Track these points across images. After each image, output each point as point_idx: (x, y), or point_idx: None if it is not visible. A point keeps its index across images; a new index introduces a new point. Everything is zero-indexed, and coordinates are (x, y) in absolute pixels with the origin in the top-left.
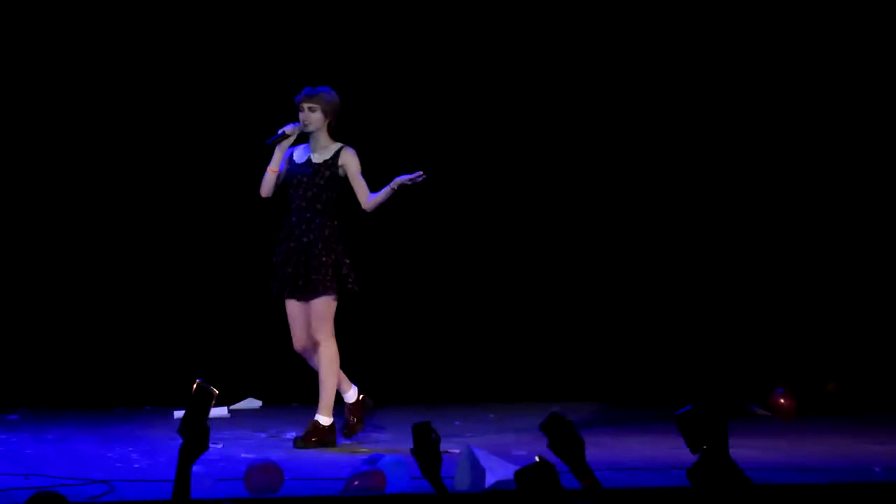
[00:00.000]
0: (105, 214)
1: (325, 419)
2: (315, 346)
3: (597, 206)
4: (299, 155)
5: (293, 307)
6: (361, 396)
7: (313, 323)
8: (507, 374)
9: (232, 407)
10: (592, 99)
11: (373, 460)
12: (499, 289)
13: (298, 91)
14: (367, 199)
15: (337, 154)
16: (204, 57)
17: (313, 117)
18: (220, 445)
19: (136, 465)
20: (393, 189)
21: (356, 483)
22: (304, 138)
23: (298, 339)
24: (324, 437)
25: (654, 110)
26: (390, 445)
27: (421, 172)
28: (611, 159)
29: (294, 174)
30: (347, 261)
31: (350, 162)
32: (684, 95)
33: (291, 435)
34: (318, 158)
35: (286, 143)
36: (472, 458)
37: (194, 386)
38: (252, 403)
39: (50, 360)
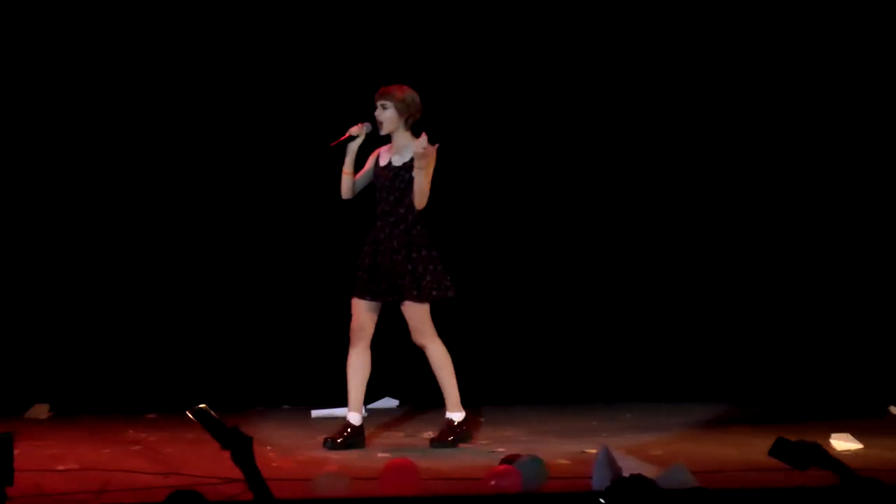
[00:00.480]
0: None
1: (456, 415)
2: (422, 347)
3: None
4: (383, 157)
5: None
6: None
7: (411, 328)
8: (644, 374)
9: (369, 406)
10: (594, 101)
11: (510, 459)
12: (633, 289)
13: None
14: (414, 198)
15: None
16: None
17: (386, 115)
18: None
19: (274, 464)
20: (419, 168)
21: (492, 483)
22: (388, 139)
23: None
24: (458, 433)
25: (657, 112)
26: (526, 446)
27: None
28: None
29: (377, 178)
30: (432, 267)
31: (428, 160)
32: (685, 97)
33: (428, 434)
34: (397, 161)
35: (355, 143)
36: (608, 458)
37: (189, 414)
38: (389, 403)
39: (185, 362)
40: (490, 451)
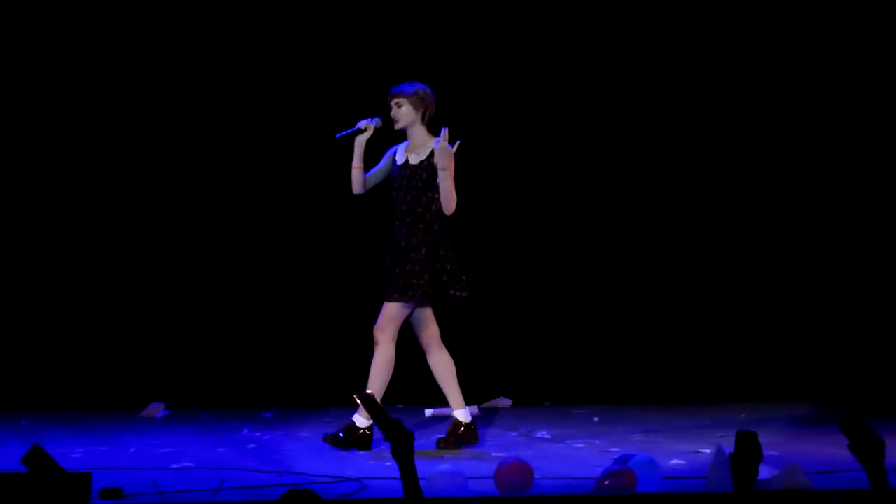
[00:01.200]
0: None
1: (359, 420)
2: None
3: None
4: (399, 155)
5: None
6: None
7: (381, 320)
8: (755, 374)
9: (483, 405)
10: (596, 103)
11: (623, 459)
12: (738, 289)
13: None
14: (442, 204)
15: (432, 152)
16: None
17: (400, 113)
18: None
19: (388, 464)
20: (442, 169)
21: (607, 482)
22: (404, 135)
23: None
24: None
25: (661, 114)
26: (640, 446)
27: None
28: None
29: (394, 177)
30: (449, 266)
31: (446, 160)
32: (686, 98)
33: (542, 434)
34: (414, 159)
35: (363, 137)
36: (723, 457)
37: (357, 399)
38: (503, 402)
39: (302, 358)
40: (604, 450)
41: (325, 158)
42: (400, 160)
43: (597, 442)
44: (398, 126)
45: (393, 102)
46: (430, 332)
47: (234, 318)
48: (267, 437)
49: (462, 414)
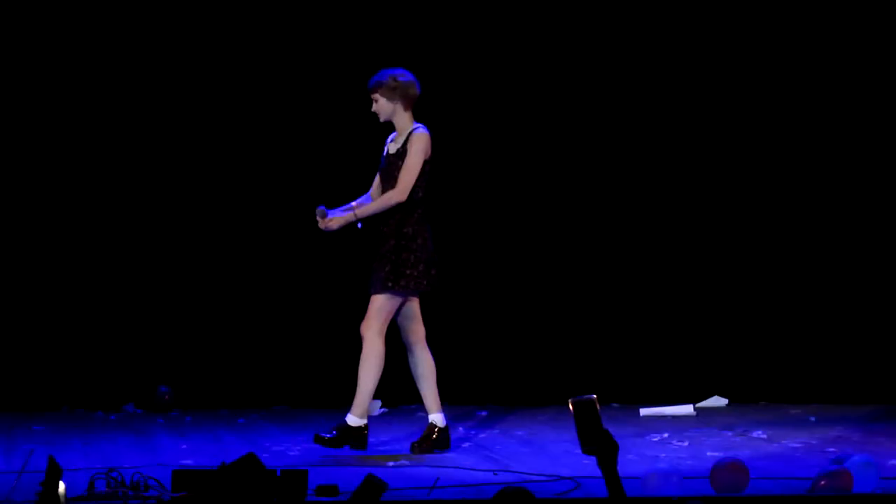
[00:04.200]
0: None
1: (352, 419)
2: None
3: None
4: (386, 146)
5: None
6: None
7: (367, 314)
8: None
9: (698, 405)
10: (592, 98)
11: (840, 459)
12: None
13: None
14: (396, 191)
15: (407, 139)
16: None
17: (378, 107)
18: (685, 443)
19: None
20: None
21: (823, 483)
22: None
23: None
24: (350, 439)
25: (654, 110)
26: (858, 446)
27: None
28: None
29: (380, 168)
30: (421, 255)
31: (411, 145)
32: (683, 94)
33: (758, 433)
34: (392, 148)
35: (332, 221)
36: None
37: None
38: (718, 402)
39: (513, 357)
40: (821, 450)
41: (331, 157)
42: (385, 150)
43: (813, 442)
44: (381, 120)
45: (372, 98)
46: (417, 331)
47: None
48: (482, 435)
49: (438, 418)
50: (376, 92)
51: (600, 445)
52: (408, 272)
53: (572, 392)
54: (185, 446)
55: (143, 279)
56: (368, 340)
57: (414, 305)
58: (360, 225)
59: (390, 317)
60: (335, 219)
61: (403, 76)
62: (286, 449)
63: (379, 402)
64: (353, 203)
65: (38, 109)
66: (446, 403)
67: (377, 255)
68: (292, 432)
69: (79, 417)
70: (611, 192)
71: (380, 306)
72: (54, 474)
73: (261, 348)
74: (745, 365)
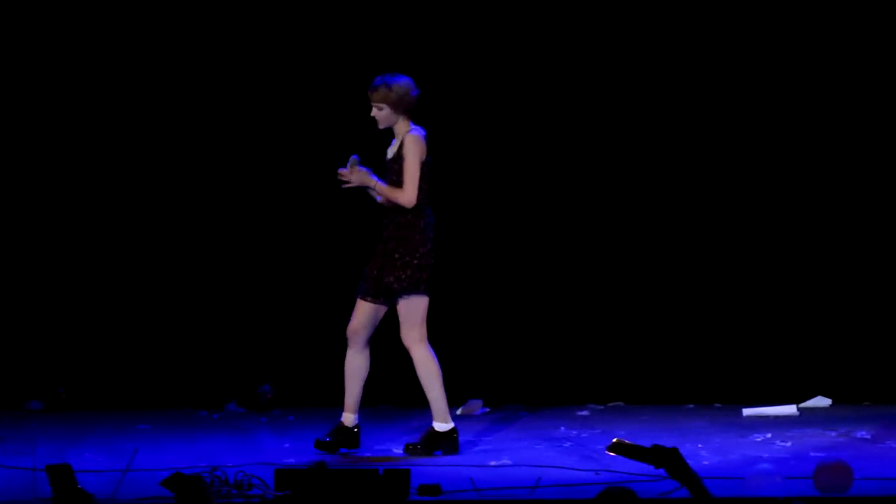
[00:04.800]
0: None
1: (439, 426)
2: (409, 350)
3: None
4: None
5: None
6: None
7: (402, 327)
8: None
9: (801, 405)
10: (592, 98)
11: None
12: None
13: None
14: (404, 197)
15: (402, 144)
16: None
17: (382, 115)
18: (788, 443)
19: (706, 462)
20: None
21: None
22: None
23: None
24: (440, 444)
25: (655, 110)
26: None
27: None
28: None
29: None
30: (432, 254)
31: (406, 150)
32: (683, 94)
33: (862, 434)
34: (390, 153)
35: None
36: None
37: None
38: (821, 402)
39: (614, 353)
40: None
41: (342, 155)
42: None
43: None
44: (380, 127)
45: (374, 105)
46: (368, 333)
47: (542, 315)
48: (584, 435)
49: (350, 419)
50: (382, 101)
51: (659, 459)
52: (427, 272)
53: (673, 392)
54: (287, 445)
55: (245, 279)
56: (416, 350)
57: (383, 309)
58: (378, 198)
59: (425, 318)
60: (361, 174)
61: (400, 82)
62: (388, 448)
63: (480, 402)
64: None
65: (39, 113)
66: (543, 404)
67: (387, 261)
68: (397, 432)
69: (182, 416)
70: (663, 187)
71: (412, 311)
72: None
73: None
74: (849, 365)
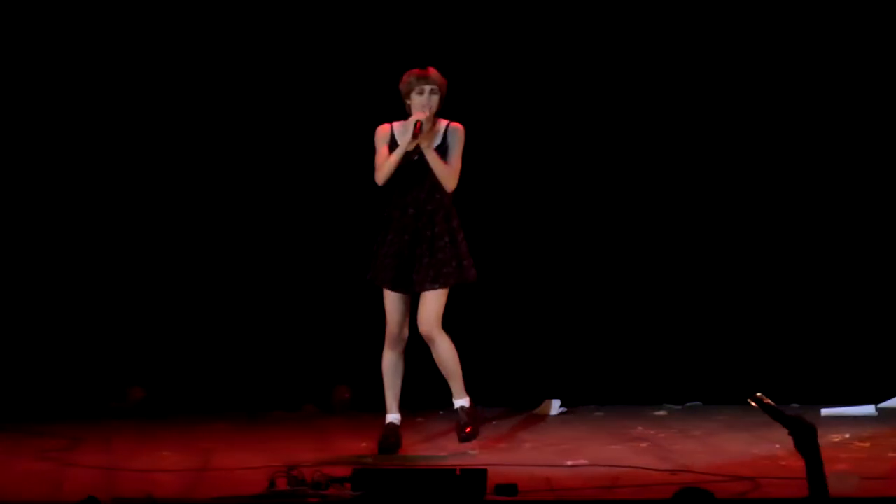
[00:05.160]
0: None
1: (466, 400)
2: (434, 339)
3: None
4: (404, 141)
5: None
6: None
7: (431, 315)
8: None
9: (880, 405)
10: (597, 103)
11: None
12: None
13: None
14: (454, 179)
15: (446, 132)
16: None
17: (434, 100)
18: (867, 444)
19: (783, 463)
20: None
21: None
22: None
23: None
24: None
25: (658, 116)
26: None
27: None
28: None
29: (405, 164)
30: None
31: (456, 137)
32: (689, 97)
33: None
34: (426, 142)
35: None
36: None
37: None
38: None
39: (690, 353)
40: None
41: (353, 155)
42: (408, 147)
43: None
44: (432, 112)
45: (428, 88)
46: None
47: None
48: (660, 435)
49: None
50: (436, 82)
51: (796, 429)
52: (465, 263)
53: (752, 392)
54: (364, 444)
55: (317, 283)
56: (442, 338)
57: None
58: (416, 157)
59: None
60: (430, 134)
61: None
62: (466, 448)
63: (558, 402)
64: None
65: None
66: (620, 404)
67: (428, 251)
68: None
69: (258, 417)
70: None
71: (443, 302)
72: None
73: None
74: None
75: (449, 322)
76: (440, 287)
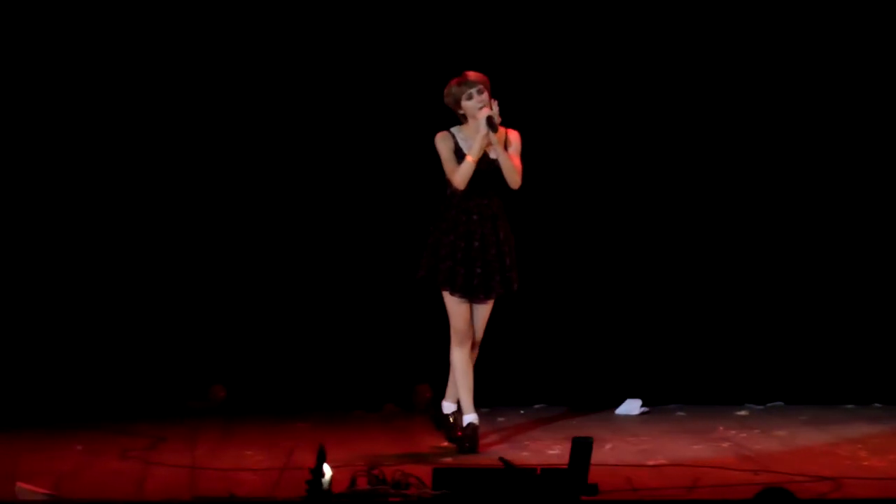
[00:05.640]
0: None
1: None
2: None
3: None
4: (469, 147)
5: None
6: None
7: (484, 325)
8: None
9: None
10: (601, 105)
11: None
12: None
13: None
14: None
15: (507, 136)
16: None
17: (486, 101)
18: None
19: (865, 463)
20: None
21: None
22: (457, 121)
23: None
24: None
25: (662, 118)
26: None
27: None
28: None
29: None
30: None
31: (518, 140)
32: (691, 98)
33: None
34: (492, 153)
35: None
36: None
37: None
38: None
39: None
40: None
41: (374, 159)
42: (474, 153)
43: None
44: (487, 114)
45: (476, 90)
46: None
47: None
48: (742, 435)
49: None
50: (487, 86)
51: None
52: (516, 272)
53: (833, 392)
54: (445, 444)
55: (398, 283)
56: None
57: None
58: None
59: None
60: (490, 138)
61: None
62: (546, 447)
63: (639, 401)
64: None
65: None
66: (702, 404)
67: (497, 257)
68: (552, 430)
69: (339, 416)
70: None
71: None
72: (321, 462)
73: (527, 347)
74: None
75: (530, 323)
76: (506, 293)
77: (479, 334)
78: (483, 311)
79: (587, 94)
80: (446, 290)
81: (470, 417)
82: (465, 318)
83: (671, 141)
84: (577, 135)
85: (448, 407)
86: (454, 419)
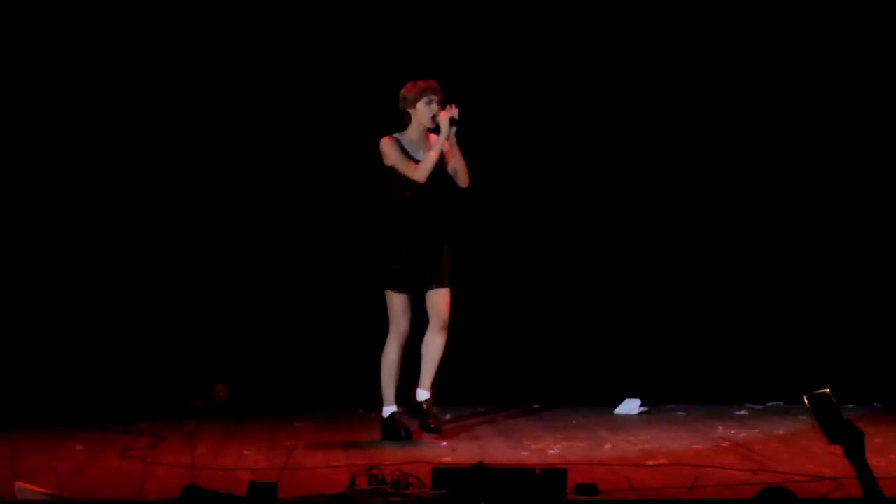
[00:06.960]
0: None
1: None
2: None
3: None
4: (418, 151)
5: None
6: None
7: (446, 314)
8: None
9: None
10: (594, 102)
11: None
12: None
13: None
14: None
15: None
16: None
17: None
18: None
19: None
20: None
21: None
22: (404, 128)
23: None
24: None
25: (660, 117)
26: None
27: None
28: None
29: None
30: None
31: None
32: (687, 97)
33: None
34: (435, 153)
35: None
36: None
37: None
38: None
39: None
40: None
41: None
42: (437, 149)
43: None
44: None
45: (436, 100)
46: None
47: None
48: (742, 434)
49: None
50: (440, 97)
51: (844, 434)
52: None
53: (834, 392)
54: (444, 444)
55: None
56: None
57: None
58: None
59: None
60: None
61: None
62: (546, 447)
63: (639, 401)
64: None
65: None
66: (701, 404)
67: (437, 251)
68: (552, 430)
69: (339, 416)
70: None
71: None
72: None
73: (526, 347)
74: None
75: (530, 323)
76: (447, 285)
77: (444, 315)
78: (441, 297)
79: (587, 94)
80: (399, 290)
81: (394, 408)
82: (408, 316)
83: (670, 141)
84: (577, 135)
85: (421, 394)
86: (426, 407)
